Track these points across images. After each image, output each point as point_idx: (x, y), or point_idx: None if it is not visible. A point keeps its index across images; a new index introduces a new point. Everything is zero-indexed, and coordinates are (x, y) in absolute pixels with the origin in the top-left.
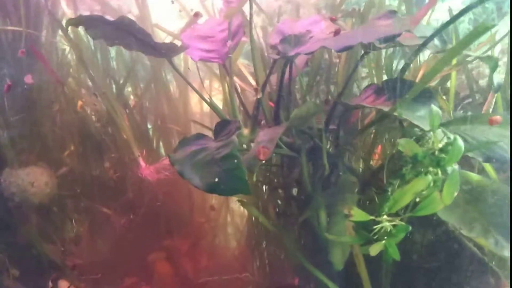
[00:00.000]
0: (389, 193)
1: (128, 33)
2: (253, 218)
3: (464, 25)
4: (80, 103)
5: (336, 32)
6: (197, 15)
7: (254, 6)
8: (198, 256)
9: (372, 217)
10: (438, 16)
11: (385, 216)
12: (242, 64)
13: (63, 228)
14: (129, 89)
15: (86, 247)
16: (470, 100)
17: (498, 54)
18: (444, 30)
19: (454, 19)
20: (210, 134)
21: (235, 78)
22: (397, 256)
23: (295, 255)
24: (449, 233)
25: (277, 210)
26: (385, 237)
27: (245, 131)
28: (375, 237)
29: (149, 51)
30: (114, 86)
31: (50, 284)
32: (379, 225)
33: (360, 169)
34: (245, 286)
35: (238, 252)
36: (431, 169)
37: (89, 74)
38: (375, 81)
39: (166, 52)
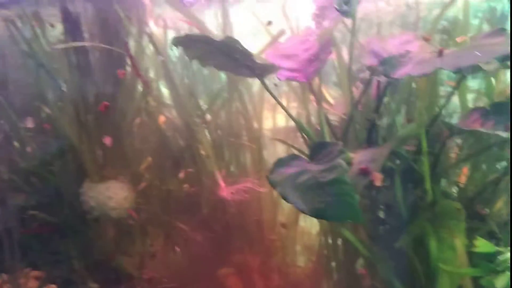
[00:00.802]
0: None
1: (225, 54)
2: (325, 239)
3: None
4: (162, 118)
5: (440, 53)
6: (281, 32)
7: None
8: (269, 273)
9: (498, 248)
10: None
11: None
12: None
13: (140, 241)
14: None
15: (161, 260)
16: None
17: None
18: None
19: None
20: (283, 149)
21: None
22: None
23: (391, 284)
24: None
25: (367, 233)
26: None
27: None
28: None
29: (244, 72)
30: (193, 102)
31: None
32: (504, 256)
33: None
34: None
35: (308, 271)
36: None
37: (173, 91)
38: (460, 102)
39: (261, 72)
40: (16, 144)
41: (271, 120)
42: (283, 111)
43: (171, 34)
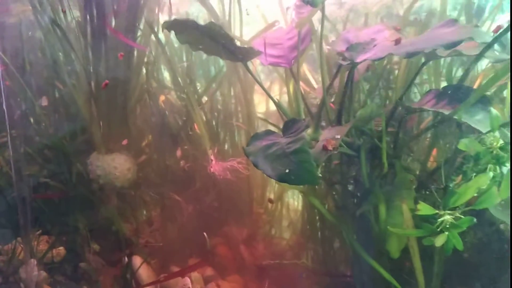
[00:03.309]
0: (451, 188)
1: (212, 39)
2: (307, 213)
3: None
4: (162, 98)
5: (397, 41)
6: (273, 23)
7: (319, 14)
8: (255, 243)
9: (437, 211)
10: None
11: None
12: (305, 68)
13: (138, 210)
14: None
15: (157, 229)
16: None
17: None
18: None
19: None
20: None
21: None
22: (460, 246)
23: (352, 246)
24: (499, 232)
25: (335, 204)
26: (449, 229)
27: (309, 130)
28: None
29: (228, 56)
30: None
31: (126, 259)
32: (442, 218)
33: (417, 171)
34: (300, 272)
35: (292, 242)
36: (490, 166)
37: (172, 74)
38: (433, 87)
39: (243, 56)
40: (31, 120)
41: (265, 105)
42: (276, 95)
43: None
